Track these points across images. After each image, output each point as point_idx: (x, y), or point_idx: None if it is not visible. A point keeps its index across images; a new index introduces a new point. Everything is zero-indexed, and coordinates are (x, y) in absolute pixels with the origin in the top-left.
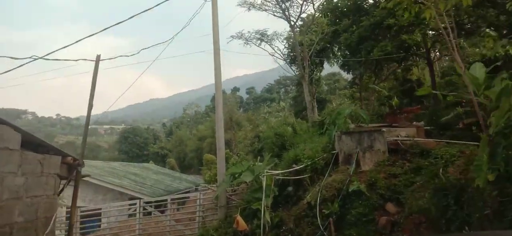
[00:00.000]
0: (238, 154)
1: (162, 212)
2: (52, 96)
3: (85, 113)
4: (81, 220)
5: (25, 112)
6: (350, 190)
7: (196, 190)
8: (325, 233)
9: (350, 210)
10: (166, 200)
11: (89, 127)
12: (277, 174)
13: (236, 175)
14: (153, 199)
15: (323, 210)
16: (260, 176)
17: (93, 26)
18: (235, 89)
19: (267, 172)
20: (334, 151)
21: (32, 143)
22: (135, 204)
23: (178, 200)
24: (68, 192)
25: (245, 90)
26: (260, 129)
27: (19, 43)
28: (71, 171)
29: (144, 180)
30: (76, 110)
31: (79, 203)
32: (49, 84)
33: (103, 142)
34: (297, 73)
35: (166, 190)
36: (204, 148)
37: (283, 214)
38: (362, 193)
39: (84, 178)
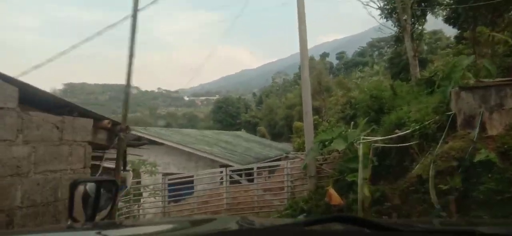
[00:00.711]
0: (328, 121)
1: (252, 180)
2: (153, 70)
3: (183, 87)
4: (175, 187)
5: (130, 87)
6: (475, 160)
7: (287, 157)
8: (443, 212)
9: (476, 185)
10: (252, 168)
11: (187, 98)
12: (376, 141)
13: (326, 143)
14: (240, 167)
15: (439, 185)
16: (355, 144)
17: (186, 2)
18: (324, 55)
19: (363, 138)
20: (449, 112)
21: (48, 102)
22: (222, 172)
23: (268, 168)
24: (163, 158)
25: (334, 55)
26: (352, 95)
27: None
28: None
29: (235, 147)
30: (175, 84)
31: (172, 169)
32: (150, 59)
33: (200, 112)
34: (395, 27)
35: (255, 157)
36: (293, 116)
37: (385, 188)
38: (493, 163)
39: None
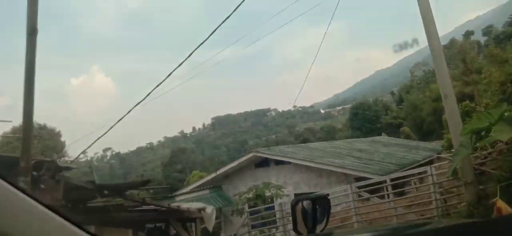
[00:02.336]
0: (485, 105)
1: (389, 194)
2: (287, 91)
3: (317, 100)
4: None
5: (268, 110)
6: None
7: (439, 158)
8: None
9: None
10: (384, 181)
11: (323, 111)
12: None
13: (482, 132)
14: (368, 182)
15: None
16: None
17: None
18: (468, 33)
19: None
20: None
21: None
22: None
23: (408, 178)
24: (293, 177)
25: (480, 32)
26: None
27: (249, 54)
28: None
29: (372, 155)
30: (308, 98)
31: (303, 189)
32: (284, 80)
33: (338, 122)
34: None
35: (398, 163)
36: (442, 109)
37: None
38: None
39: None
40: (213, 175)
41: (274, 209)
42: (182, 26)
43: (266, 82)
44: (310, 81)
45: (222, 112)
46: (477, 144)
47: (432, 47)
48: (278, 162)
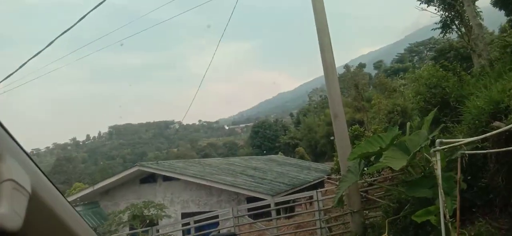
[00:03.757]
0: (373, 131)
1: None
2: (192, 105)
3: (222, 116)
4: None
5: (172, 122)
6: None
7: (329, 178)
8: None
9: None
10: (268, 206)
11: (227, 127)
12: (459, 147)
13: (372, 158)
14: (249, 205)
15: None
16: (427, 154)
17: (216, 34)
18: (361, 66)
19: (441, 143)
20: None
21: None
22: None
23: (295, 202)
24: (182, 195)
25: (372, 66)
26: (397, 102)
27: (157, 64)
28: None
29: (265, 174)
30: (214, 115)
31: (192, 208)
32: (189, 95)
33: (240, 139)
34: (440, 12)
35: (289, 183)
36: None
37: (489, 230)
38: None
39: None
40: (90, 189)
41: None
42: (79, 26)
43: (171, 94)
44: (217, 97)
45: (121, 121)
46: (365, 170)
47: (326, 65)
48: (167, 178)
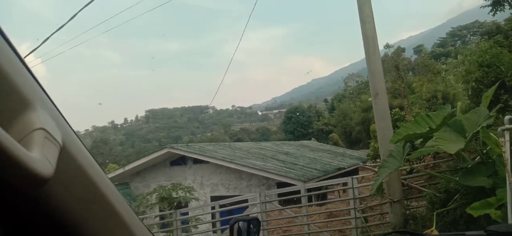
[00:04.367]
0: (415, 115)
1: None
2: (227, 90)
3: (256, 102)
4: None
5: (206, 107)
6: None
7: (364, 168)
8: None
9: None
10: (298, 192)
11: (260, 113)
12: None
13: (417, 142)
14: (278, 190)
15: None
16: (492, 134)
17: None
18: (400, 50)
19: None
20: None
21: None
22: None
23: (329, 188)
24: (211, 178)
25: (412, 51)
26: (438, 88)
27: (195, 50)
28: None
29: (297, 159)
30: (248, 100)
31: (222, 191)
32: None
33: (273, 125)
34: None
35: (321, 170)
36: (371, 119)
37: None
38: None
39: None
40: (121, 170)
41: (187, 214)
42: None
43: (208, 79)
44: (251, 82)
45: (158, 105)
46: (409, 155)
47: (366, 37)
48: (197, 161)
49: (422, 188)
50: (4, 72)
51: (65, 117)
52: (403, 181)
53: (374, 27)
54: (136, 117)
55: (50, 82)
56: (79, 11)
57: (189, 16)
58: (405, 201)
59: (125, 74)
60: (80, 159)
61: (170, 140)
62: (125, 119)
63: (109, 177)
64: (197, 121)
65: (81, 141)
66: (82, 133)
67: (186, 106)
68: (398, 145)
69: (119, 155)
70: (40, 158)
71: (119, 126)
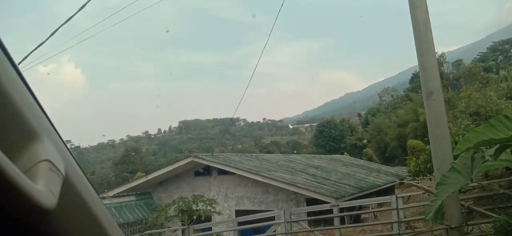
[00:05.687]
0: (465, 127)
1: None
2: (258, 103)
3: (287, 115)
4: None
5: (238, 119)
6: None
7: (402, 185)
8: None
9: None
10: (329, 211)
11: (291, 126)
12: None
13: (485, 152)
14: (304, 209)
15: None
16: None
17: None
18: (442, 58)
19: None
20: None
21: None
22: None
23: (363, 209)
24: (236, 191)
25: (450, 66)
26: (481, 104)
27: (227, 63)
28: None
29: (329, 174)
30: (279, 113)
31: (247, 205)
32: (256, 93)
33: (304, 139)
34: None
35: (356, 186)
36: (407, 134)
37: None
38: None
39: None
40: (143, 179)
41: (207, 230)
42: (157, 25)
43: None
44: (282, 96)
45: (191, 117)
46: (473, 167)
47: (417, 23)
48: (222, 172)
49: (487, 212)
50: (16, 105)
51: (61, 135)
52: (463, 202)
53: (427, 11)
54: (169, 127)
55: (89, 92)
56: (112, 25)
57: (222, 29)
58: (466, 228)
59: (159, 85)
60: (81, 190)
61: (202, 151)
62: (159, 129)
63: (132, 186)
64: (228, 133)
65: (81, 169)
66: (117, 141)
67: (218, 117)
68: (463, 156)
69: (150, 164)
70: (44, 190)
71: (152, 136)
